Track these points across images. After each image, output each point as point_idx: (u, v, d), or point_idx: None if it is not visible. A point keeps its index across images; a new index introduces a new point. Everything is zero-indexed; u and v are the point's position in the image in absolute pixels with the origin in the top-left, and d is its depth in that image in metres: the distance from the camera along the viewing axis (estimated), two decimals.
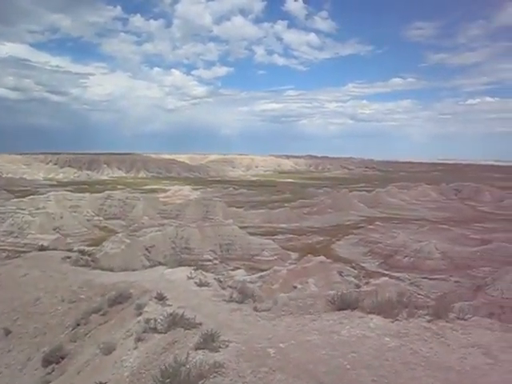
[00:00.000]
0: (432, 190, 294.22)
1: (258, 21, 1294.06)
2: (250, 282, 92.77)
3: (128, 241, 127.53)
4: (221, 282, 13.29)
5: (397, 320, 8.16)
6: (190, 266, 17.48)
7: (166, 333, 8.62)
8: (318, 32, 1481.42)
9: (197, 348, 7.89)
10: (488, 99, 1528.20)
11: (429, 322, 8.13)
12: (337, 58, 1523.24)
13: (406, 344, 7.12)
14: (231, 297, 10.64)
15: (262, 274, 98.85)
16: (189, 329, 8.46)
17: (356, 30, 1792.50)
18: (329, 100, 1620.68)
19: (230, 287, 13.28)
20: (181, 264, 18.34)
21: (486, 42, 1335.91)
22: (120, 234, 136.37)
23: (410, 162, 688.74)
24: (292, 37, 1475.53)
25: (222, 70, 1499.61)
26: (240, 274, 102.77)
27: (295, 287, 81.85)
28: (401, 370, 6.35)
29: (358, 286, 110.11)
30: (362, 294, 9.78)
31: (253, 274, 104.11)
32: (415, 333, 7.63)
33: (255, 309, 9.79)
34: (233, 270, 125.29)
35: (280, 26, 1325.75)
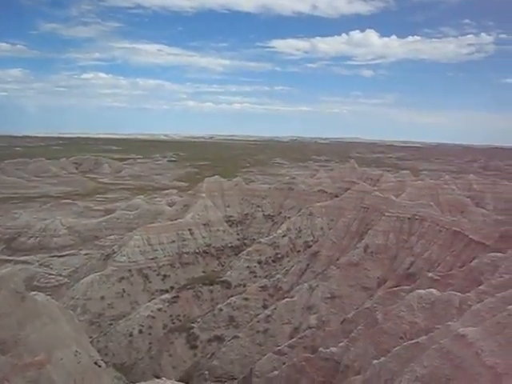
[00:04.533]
0: (52, 165, 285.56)
1: None
2: None
3: None
4: None
5: None
6: None
7: None
8: None
9: None
10: (101, 75, 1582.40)
11: None
12: None
13: None
14: None
15: None
16: None
17: None
18: None
19: None
20: None
21: (98, 19, 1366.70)
22: None
23: (27, 137, 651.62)
24: None
25: None
26: None
27: None
28: None
29: None
30: None
31: None
32: None
33: None
34: None
35: None
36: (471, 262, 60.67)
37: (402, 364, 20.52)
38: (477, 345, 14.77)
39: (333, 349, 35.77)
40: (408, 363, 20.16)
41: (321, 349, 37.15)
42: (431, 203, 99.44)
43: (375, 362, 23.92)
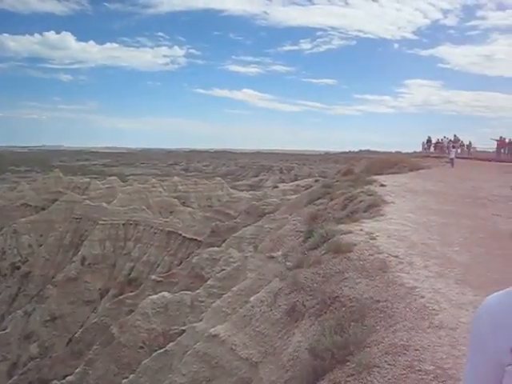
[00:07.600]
0: None
1: None
2: None
3: None
4: None
5: None
6: None
7: None
8: None
9: None
10: None
11: None
12: None
13: None
14: None
15: None
16: None
17: None
18: None
19: None
20: None
21: None
22: None
23: None
24: None
25: None
26: None
27: None
28: None
29: None
30: None
31: None
32: None
33: None
34: None
35: None
36: (188, 258, 64.78)
37: (154, 376, 20.24)
38: (230, 341, 15.52)
39: (69, 378, 32.88)
40: (160, 374, 19.99)
41: (55, 381, 33.80)
42: (143, 207, 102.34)
43: (124, 380, 22.97)
